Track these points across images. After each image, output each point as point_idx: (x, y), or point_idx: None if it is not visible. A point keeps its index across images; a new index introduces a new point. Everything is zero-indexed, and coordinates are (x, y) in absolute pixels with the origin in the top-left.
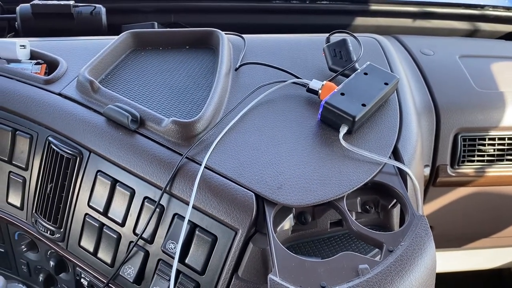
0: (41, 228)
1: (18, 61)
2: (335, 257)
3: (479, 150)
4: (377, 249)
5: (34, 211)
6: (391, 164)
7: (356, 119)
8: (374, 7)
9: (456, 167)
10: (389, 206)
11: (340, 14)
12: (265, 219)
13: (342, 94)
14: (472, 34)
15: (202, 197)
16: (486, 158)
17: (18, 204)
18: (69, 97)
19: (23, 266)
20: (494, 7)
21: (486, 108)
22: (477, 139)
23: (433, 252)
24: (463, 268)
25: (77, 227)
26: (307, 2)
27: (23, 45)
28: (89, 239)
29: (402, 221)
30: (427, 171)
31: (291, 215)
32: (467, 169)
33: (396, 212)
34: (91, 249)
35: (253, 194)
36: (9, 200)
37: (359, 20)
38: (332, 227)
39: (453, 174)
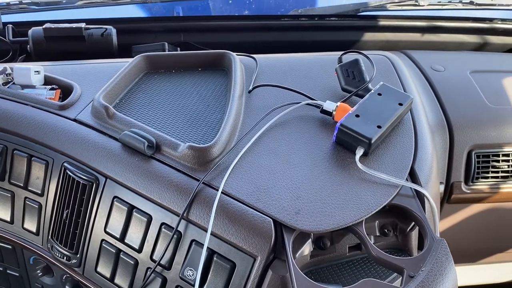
0: (57, 254)
1: (32, 86)
2: (356, 284)
3: (493, 167)
4: (396, 273)
5: (50, 237)
6: (408, 186)
7: (373, 141)
8: (382, 22)
9: (471, 183)
10: (408, 229)
11: (348, 30)
12: (283, 245)
13: (357, 115)
14: (481, 47)
15: (219, 223)
16: (500, 174)
17: (34, 230)
18: (84, 123)
19: None
20: (503, 20)
21: (499, 124)
22: (491, 156)
23: (454, 276)
24: (477, 282)
25: (94, 253)
26: (316, 19)
27: (37, 71)
28: (105, 265)
29: (420, 243)
30: (441, 188)
31: (310, 241)
32: (482, 185)
33: (414, 235)
34: (108, 275)
35: (271, 220)
36: (25, 226)
37: (368, 36)
38: (350, 251)
39: (468, 191)
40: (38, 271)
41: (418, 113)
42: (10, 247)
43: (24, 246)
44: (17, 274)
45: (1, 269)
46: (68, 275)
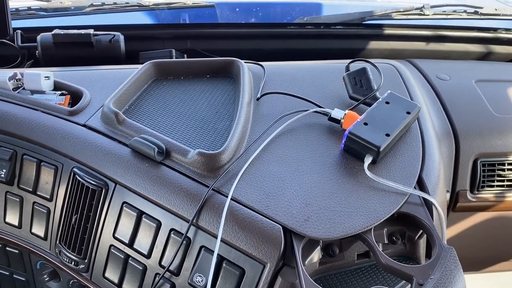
0: (65, 259)
1: (42, 92)
2: None
3: (499, 175)
4: (404, 281)
5: (58, 242)
6: (416, 194)
7: (381, 149)
8: (387, 31)
9: (476, 192)
10: (416, 237)
11: (354, 38)
12: (293, 252)
13: (365, 123)
14: (486, 56)
15: (229, 229)
16: (506, 183)
17: (42, 235)
18: (94, 128)
19: None
20: (507, 29)
21: (504, 133)
22: (496, 164)
23: (463, 284)
24: None
25: (102, 258)
26: (322, 27)
27: (47, 76)
28: (114, 270)
29: (428, 251)
30: (447, 196)
31: (319, 248)
32: (487, 194)
33: (422, 243)
34: (116, 280)
35: (280, 227)
36: (33, 230)
37: (373, 44)
38: (359, 259)
39: (473, 199)
40: (45, 276)
41: (425, 122)
42: (17, 251)
43: (32, 251)
44: (24, 279)
45: (8, 273)
46: (75, 280)
